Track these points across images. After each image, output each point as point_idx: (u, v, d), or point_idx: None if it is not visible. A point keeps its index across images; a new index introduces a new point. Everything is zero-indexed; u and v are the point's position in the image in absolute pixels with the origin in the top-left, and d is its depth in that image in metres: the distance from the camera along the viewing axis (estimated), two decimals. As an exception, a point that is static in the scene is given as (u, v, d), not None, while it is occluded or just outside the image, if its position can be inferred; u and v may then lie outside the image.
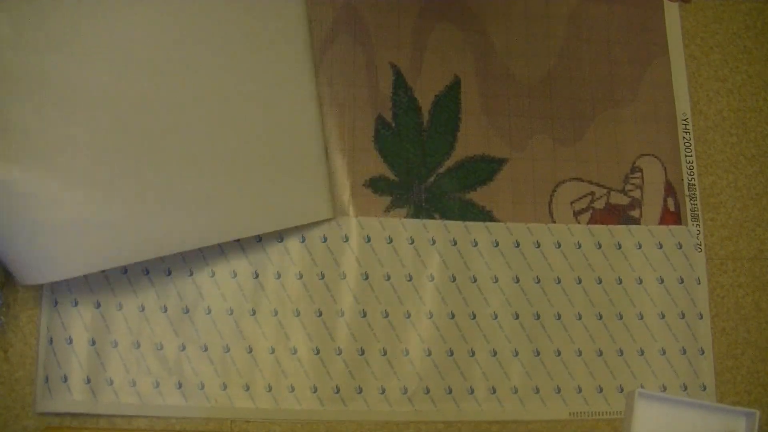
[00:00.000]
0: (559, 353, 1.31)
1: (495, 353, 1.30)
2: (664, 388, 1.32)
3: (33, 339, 1.25)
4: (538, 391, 1.30)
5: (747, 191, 1.43)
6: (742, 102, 1.47)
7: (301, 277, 1.29)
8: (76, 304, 1.25)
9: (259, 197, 1.24)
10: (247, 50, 1.27)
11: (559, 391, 1.30)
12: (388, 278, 1.31)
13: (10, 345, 1.25)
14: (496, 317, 1.31)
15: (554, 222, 1.35)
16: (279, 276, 1.29)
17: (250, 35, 1.27)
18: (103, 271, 1.26)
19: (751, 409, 1.09)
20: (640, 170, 1.39)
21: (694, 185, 1.40)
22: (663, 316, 1.34)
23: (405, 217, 1.33)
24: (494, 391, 1.29)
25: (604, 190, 1.38)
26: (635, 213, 1.37)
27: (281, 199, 1.26)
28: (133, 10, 1.17)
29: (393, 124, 1.36)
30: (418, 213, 1.33)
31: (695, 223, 1.38)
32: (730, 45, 1.50)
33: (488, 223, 1.34)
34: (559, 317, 1.32)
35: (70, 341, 1.24)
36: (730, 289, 1.39)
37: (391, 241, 1.32)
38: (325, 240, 1.30)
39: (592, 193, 1.37)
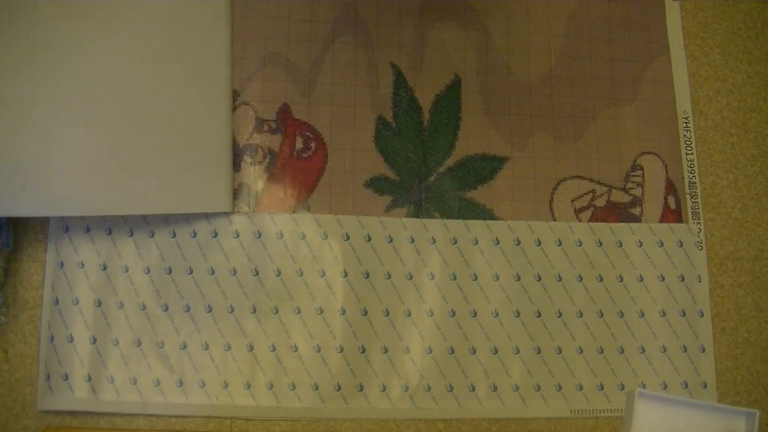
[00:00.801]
0: (560, 351, 1.31)
1: (496, 351, 1.30)
2: (665, 386, 1.32)
3: (33, 339, 1.25)
4: (539, 388, 1.30)
5: (747, 191, 1.43)
6: (742, 102, 1.47)
7: (301, 274, 1.29)
8: (77, 302, 1.25)
9: (162, 180, 1.25)
10: (173, 54, 1.29)
11: (560, 388, 1.30)
12: (389, 277, 1.31)
13: (10, 345, 1.25)
14: (497, 315, 1.31)
15: (555, 220, 1.36)
16: (279, 273, 1.29)
17: (176, 39, 1.30)
18: (104, 269, 1.26)
19: (751, 409, 1.08)
20: (641, 168, 1.39)
21: (695, 183, 1.40)
22: (664, 314, 1.34)
23: (405, 217, 1.33)
24: (495, 389, 1.29)
25: (605, 188, 1.38)
26: (636, 211, 1.38)
27: (183, 185, 1.27)
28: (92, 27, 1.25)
29: (393, 124, 1.36)
30: (418, 212, 1.33)
31: (696, 221, 1.38)
32: (730, 45, 1.50)
33: (489, 222, 1.34)
34: (560, 315, 1.32)
35: (71, 339, 1.24)
36: (730, 288, 1.39)
37: (391, 240, 1.32)
38: (326, 237, 1.31)
39: (593, 191, 1.37)
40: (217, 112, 1.31)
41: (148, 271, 1.28)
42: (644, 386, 1.31)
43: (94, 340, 1.24)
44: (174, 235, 1.29)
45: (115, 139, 1.23)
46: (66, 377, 1.23)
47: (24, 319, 1.26)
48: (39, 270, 1.27)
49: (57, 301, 1.25)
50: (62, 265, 1.26)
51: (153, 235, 1.28)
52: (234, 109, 1.34)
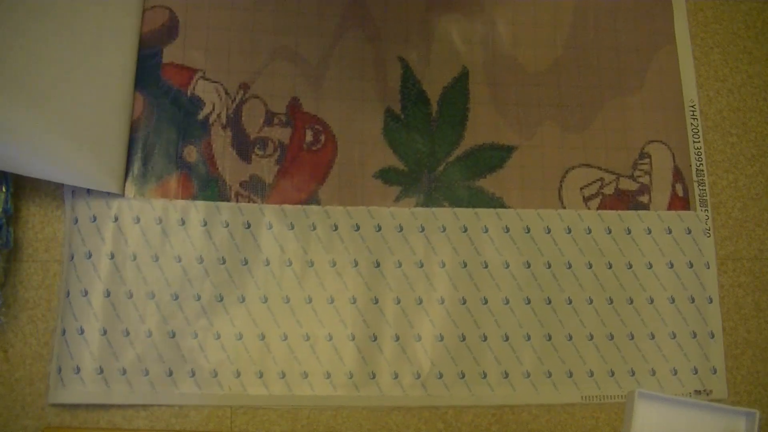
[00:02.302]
0: (571, 337, 1.32)
1: (507, 338, 1.31)
2: (675, 372, 1.32)
3: (33, 339, 1.25)
4: (550, 375, 1.30)
5: (747, 191, 1.44)
6: (742, 102, 1.48)
7: (312, 264, 1.30)
8: (86, 293, 1.25)
9: (58, 151, 1.24)
10: (86, 42, 1.29)
11: (571, 375, 1.31)
12: (399, 265, 1.31)
13: (10, 345, 1.25)
14: (507, 302, 1.32)
15: (564, 208, 1.36)
16: (290, 264, 1.30)
17: (89, 30, 1.30)
18: (111, 258, 1.26)
19: (751, 409, 1.09)
20: (649, 156, 1.40)
21: (702, 171, 1.41)
22: (673, 301, 1.35)
23: (415, 206, 1.34)
24: (506, 376, 1.29)
25: (613, 176, 1.39)
26: (644, 198, 1.38)
27: (76, 159, 1.25)
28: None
29: (402, 116, 1.37)
30: (428, 202, 1.34)
31: (704, 209, 1.39)
32: (730, 45, 1.51)
33: (498, 210, 1.35)
34: (570, 302, 1.33)
35: (82, 331, 1.24)
36: (729, 289, 1.39)
37: (401, 229, 1.32)
38: (336, 228, 1.31)
39: (602, 179, 1.38)
40: (117, 98, 1.31)
41: (156, 259, 1.28)
42: (654, 372, 1.32)
43: (105, 332, 1.24)
44: (182, 223, 1.29)
45: (26, 103, 1.22)
46: (78, 370, 1.23)
47: (24, 319, 1.26)
48: (39, 270, 1.28)
49: (68, 294, 1.25)
50: (72, 257, 1.26)
51: (160, 222, 1.29)
52: (244, 102, 1.35)
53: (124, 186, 1.30)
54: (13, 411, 1.23)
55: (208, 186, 1.31)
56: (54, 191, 1.31)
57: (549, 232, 1.35)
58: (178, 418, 1.25)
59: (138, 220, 1.28)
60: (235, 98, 1.35)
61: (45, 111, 1.22)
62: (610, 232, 1.36)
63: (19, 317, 1.26)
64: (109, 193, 1.29)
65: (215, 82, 1.36)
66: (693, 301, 1.35)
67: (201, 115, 1.34)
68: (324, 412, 1.27)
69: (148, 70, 1.35)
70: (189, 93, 1.35)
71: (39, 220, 1.30)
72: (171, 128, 1.33)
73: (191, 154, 1.32)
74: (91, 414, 1.24)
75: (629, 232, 1.37)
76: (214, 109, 1.34)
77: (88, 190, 1.29)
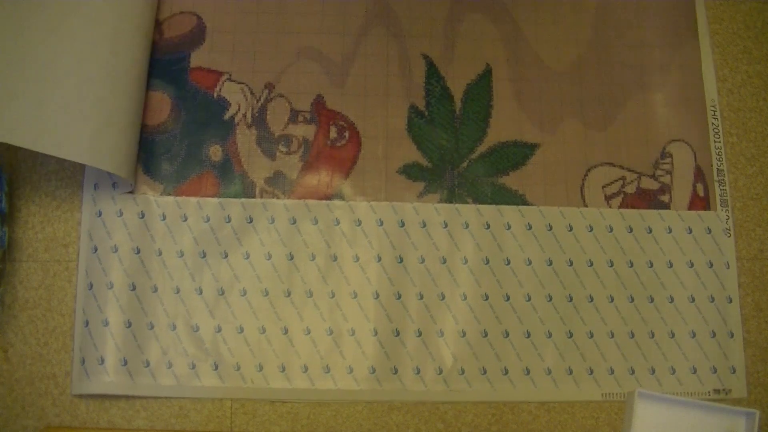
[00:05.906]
0: (592, 335, 1.33)
1: (529, 334, 1.31)
2: (695, 370, 1.33)
3: (33, 339, 1.27)
4: (571, 372, 1.31)
5: (747, 191, 1.43)
6: (742, 102, 1.47)
7: (335, 259, 1.31)
8: (112, 286, 1.26)
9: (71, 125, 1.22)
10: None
11: (591, 372, 1.31)
12: (423, 261, 1.32)
13: (10, 345, 1.27)
14: (529, 299, 1.33)
15: (586, 206, 1.37)
16: (313, 258, 1.31)
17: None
18: (138, 253, 1.28)
19: (751, 409, 1.10)
20: (670, 156, 1.41)
21: (723, 171, 1.42)
22: (693, 300, 1.35)
23: (438, 202, 1.35)
24: (528, 372, 1.30)
25: (635, 175, 1.39)
26: (665, 198, 1.39)
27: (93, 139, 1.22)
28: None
29: (426, 113, 1.38)
30: (451, 198, 1.35)
31: (724, 209, 1.40)
32: (730, 45, 1.50)
33: (521, 207, 1.36)
34: (592, 299, 1.34)
35: (106, 323, 1.25)
36: (730, 288, 1.40)
37: (425, 225, 1.33)
38: (360, 223, 1.32)
39: (623, 178, 1.39)
40: (132, 94, 1.29)
41: (182, 254, 1.29)
42: (674, 370, 1.32)
43: (129, 324, 1.26)
44: (208, 220, 1.30)
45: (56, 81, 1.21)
46: (102, 361, 1.24)
47: (24, 319, 1.27)
48: (39, 270, 1.29)
49: (91, 286, 1.26)
50: (96, 249, 1.28)
51: (186, 219, 1.30)
52: (269, 101, 1.37)
53: (135, 175, 1.31)
54: (13, 411, 1.25)
55: (233, 183, 1.32)
56: (54, 191, 1.32)
57: (571, 229, 1.36)
58: (178, 418, 1.26)
59: (164, 217, 1.30)
60: (260, 98, 1.37)
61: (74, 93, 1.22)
62: (631, 230, 1.37)
63: (19, 317, 1.27)
64: (134, 191, 1.31)
65: (241, 83, 1.37)
66: (712, 300, 1.36)
67: (227, 116, 1.36)
68: (324, 412, 1.27)
69: (175, 74, 1.37)
70: (215, 95, 1.36)
71: (39, 220, 1.31)
72: (197, 129, 1.35)
73: (217, 153, 1.34)
74: (90, 414, 1.25)
75: (650, 230, 1.37)
76: (239, 109, 1.36)
77: (113, 185, 1.30)
